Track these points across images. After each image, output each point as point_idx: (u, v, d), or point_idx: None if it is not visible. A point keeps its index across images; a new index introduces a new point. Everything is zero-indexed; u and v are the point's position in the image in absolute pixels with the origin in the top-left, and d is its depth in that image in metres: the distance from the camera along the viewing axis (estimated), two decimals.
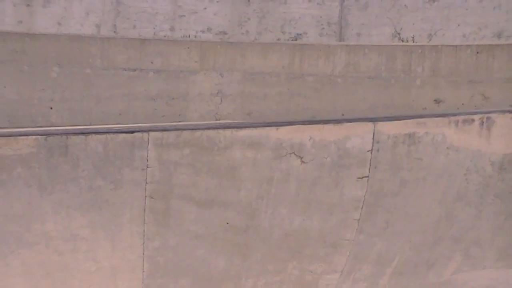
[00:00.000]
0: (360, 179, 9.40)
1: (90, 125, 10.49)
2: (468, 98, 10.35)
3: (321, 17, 11.67)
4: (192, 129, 10.15)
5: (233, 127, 10.22)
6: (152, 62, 11.26)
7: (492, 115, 9.28)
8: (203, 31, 11.75)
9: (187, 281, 8.98)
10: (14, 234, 9.04)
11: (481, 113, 9.44)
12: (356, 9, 11.49)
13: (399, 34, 11.32)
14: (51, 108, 11.32)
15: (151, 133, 10.01)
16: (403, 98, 10.58)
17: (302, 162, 9.66)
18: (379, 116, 9.96)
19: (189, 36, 11.74)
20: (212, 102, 11.16)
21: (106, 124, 10.51)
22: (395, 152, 9.48)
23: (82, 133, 9.98)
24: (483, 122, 9.20)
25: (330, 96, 10.85)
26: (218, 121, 10.72)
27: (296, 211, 9.35)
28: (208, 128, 10.21)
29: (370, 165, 9.44)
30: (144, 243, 9.11)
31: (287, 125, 10.01)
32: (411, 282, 8.13)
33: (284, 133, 9.87)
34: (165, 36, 11.82)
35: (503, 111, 9.43)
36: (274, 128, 9.99)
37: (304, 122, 10.09)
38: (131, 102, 11.25)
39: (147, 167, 9.81)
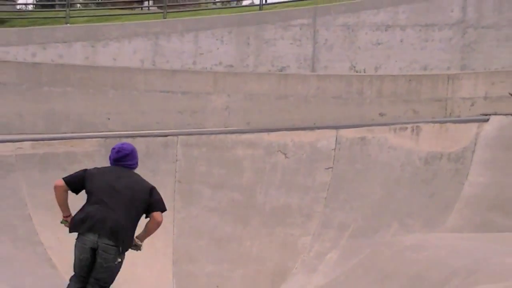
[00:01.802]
0: (327, 169, 9.33)
1: (136, 130, 10.41)
2: (403, 112, 10.28)
3: (299, 55, 11.60)
4: (208, 134, 10.08)
5: (237, 132, 10.14)
6: (180, 86, 11.17)
7: (420, 124, 9.22)
8: (216, 64, 11.67)
9: (204, 241, 8.90)
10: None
11: (412, 123, 9.37)
12: (324, 49, 11.43)
13: (354, 67, 11.25)
14: (108, 119, 11.23)
15: (180, 137, 9.94)
16: (357, 112, 10.51)
17: (286, 157, 9.59)
18: (340, 124, 9.89)
19: (206, 68, 11.66)
20: (222, 114, 11.07)
21: (147, 130, 10.43)
22: (351, 150, 9.40)
23: (131, 136, 9.89)
24: (413, 129, 9.14)
25: (306, 110, 10.78)
26: (226, 128, 10.63)
27: (282, 192, 9.27)
28: (219, 133, 10.13)
29: (334, 159, 9.37)
30: (174, 214, 9.03)
31: (275, 131, 9.93)
32: (362, 242, 8.06)
33: (273, 136, 9.80)
34: (189, 68, 11.74)
35: (428, 122, 9.36)
36: (266, 133, 9.91)
37: (287, 129, 10.01)
38: (165, 115, 11.16)
39: (176, 160, 9.74)
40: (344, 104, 10.70)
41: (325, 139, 9.53)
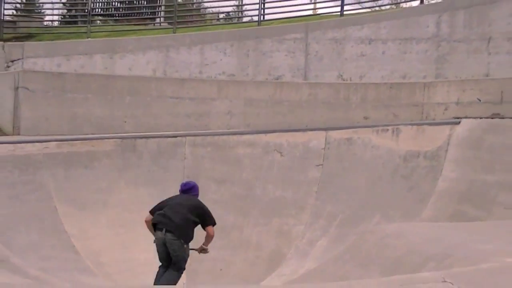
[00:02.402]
0: (317, 166, 9.32)
1: (149, 132, 10.40)
2: (384, 116, 10.28)
3: (293, 65, 11.59)
4: (213, 135, 10.07)
5: (238, 134, 10.13)
6: (187, 93, 11.15)
7: (400, 127, 9.21)
8: (219, 74, 11.65)
9: None
10: (102, 200, 8.97)
11: (392, 125, 9.37)
12: (315, 60, 11.42)
13: (341, 76, 11.24)
14: (125, 122, 11.22)
15: (187, 137, 9.93)
16: (344, 116, 10.50)
17: (281, 155, 9.58)
18: (329, 127, 9.88)
19: (211, 77, 11.64)
20: (225, 118, 11.05)
21: (159, 132, 10.42)
22: (339, 149, 9.40)
23: (144, 137, 9.89)
24: (394, 131, 9.13)
25: (299, 114, 10.77)
26: (228, 130, 10.62)
27: (278, 186, 9.27)
28: (223, 134, 10.12)
29: (323, 158, 9.37)
30: None
31: (272, 132, 9.93)
32: (349, 230, 8.06)
33: (270, 137, 9.80)
34: (196, 77, 11.72)
35: (406, 124, 9.35)
36: (263, 134, 9.91)
37: (282, 131, 10.01)
38: (175, 118, 11.15)
39: (185, 158, 9.73)
40: (332, 108, 10.69)
41: (316, 139, 9.53)
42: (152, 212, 6.57)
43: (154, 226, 6.39)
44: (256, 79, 11.32)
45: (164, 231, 6.22)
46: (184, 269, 6.43)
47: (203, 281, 8.19)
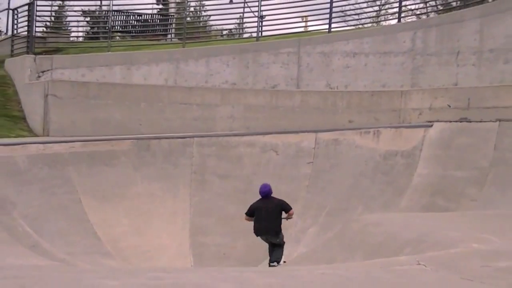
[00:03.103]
0: (308, 164, 9.31)
1: (161, 133, 10.38)
2: (367, 119, 10.26)
3: (287, 75, 11.57)
4: (217, 136, 10.05)
5: (239, 135, 10.11)
6: (195, 100, 11.12)
7: (380, 129, 9.20)
8: (223, 83, 11.63)
9: (214, 219, 8.87)
10: (120, 193, 8.94)
11: (374, 128, 9.35)
12: (306, 71, 11.41)
13: (329, 85, 11.23)
14: (140, 124, 11.20)
15: (195, 138, 9.91)
16: (332, 120, 10.48)
17: (277, 154, 9.57)
18: (319, 129, 9.87)
19: (215, 86, 11.62)
20: (227, 121, 11.04)
21: (170, 133, 10.41)
22: (327, 149, 9.39)
23: (157, 138, 9.86)
24: (375, 133, 9.12)
25: (292, 118, 10.75)
26: (231, 132, 10.61)
27: (274, 181, 9.23)
28: (226, 136, 10.10)
29: (313, 156, 9.35)
30: (190, 198, 9.01)
31: (268, 134, 9.91)
32: (336, 219, 8.04)
33: (267, 138, 9.78)
34: (202, 86, 11.70)
35: (386, 127, 9.34)
36: (261, 136, 9.88)
37: (278, 132, 9.99)
38: (184, 122, 11.12)
39: (193, 156, 9.71)
40: (321, 113, 10.68)
41: (307, 140, 9.51)
42: (248, 214, 7.48)
43: (256, 231, 7.35)
44: (255, 88, 11.31)
45: (265, 236, 7.33)
46: (284, 242, 7.46)
47: (208, 264, 8.17)
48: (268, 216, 7.25)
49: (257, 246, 8.59)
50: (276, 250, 7.40)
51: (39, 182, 8.44)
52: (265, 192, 7.45)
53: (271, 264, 7.39)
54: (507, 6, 9.38)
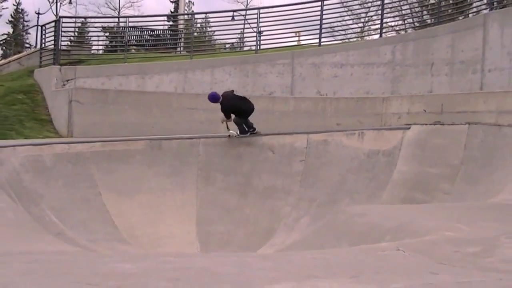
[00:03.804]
0: (301, 161, 9.30)
1: (171, 135, 10.37)
2: (352, 123, 10.27)
3: (282, 84, 11.58)
4: (220, 137, 10.03)
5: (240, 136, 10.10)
6: (201, 105, 11.09)
7: (364, 131, 9.20)
8: (226, 90, 11.64)
9: (217, 210, 8.85)
10: (135, 187, 8.92)
11: (359, 130, 9.36)
12: (299, 80, 11.42)
13: (319, 92, 11.24)
14: (153, 127, 11.20)
15: (201, 139, 9.89)
16: (321, 123, 10.49)
17: (273, 153, 9.55)
18: (310, 131, 9.87)
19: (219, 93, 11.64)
20: None
21: (179, 134, 10.39)
22: (317, 148, 9.38)
23: (168, 139, 9.84)
24: (359, 134, 9.12)
25: (286, 121, 10.76)
26: None
27: (271, 176, 9.24)
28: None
29: (306, 154, 9.35)
30: (197, 192, 9.00)
31: (266, 135, 9.90)
32: (325, 210, 8.04)
33: (264, 139, 9.76)
34: (208, 93, 11.71)
35: (369, 129, 9.34)
36: (260, 137, 9.88)
37: (274, 134, 9.97)
38: (191, 124, 11.12)
39: (199, 155, 9.69)
40: (312, 117, 10.69)
41: (300, 141, 9.50)
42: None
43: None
44: (254, 95, 11.30)
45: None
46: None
47: (213, 250, 8.16)
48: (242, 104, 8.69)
49: (256, 234, 8.57)
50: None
51: (64, 177, 8.43)
52: (213, 96, 8.78)
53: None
54: (475, 23, 9.41)
